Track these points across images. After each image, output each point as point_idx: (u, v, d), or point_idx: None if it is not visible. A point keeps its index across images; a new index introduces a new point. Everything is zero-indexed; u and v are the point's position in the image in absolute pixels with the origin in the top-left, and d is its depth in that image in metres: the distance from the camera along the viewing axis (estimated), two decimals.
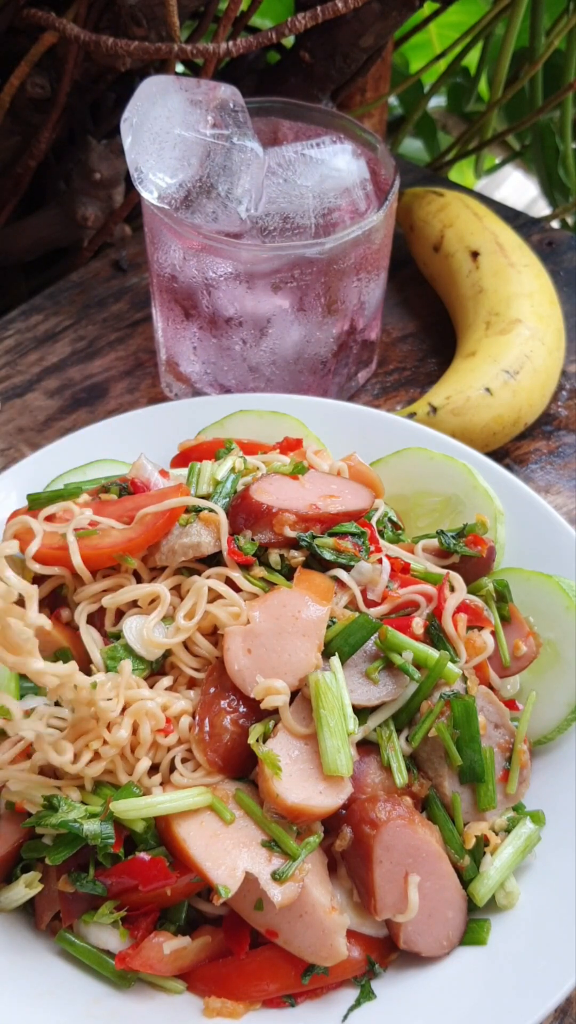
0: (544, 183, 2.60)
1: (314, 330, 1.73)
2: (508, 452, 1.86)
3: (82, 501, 1.42)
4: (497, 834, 1.26)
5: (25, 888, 1.22)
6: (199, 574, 1.32)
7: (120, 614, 1.33)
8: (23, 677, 1.35)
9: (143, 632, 1.27)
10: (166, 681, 1.28)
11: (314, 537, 1.32)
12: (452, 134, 3.13)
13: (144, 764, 1.22)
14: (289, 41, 2.24)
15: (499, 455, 1.85)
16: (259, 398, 1.64)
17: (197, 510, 1.33)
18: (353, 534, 1.35)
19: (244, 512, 1.33)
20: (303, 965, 1.19)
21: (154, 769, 1.25)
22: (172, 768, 1.24)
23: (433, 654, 1.24)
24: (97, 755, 1.21)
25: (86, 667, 1.32)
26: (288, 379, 1.78)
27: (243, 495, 1.34)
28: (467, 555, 1.40)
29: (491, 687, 1.33)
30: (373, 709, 1.25)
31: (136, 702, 1.22)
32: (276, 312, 1.69)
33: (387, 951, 1.23)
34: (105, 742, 1.21)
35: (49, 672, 1.09)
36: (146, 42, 1.80)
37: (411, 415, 1.76)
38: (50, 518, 1.39)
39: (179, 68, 2.23)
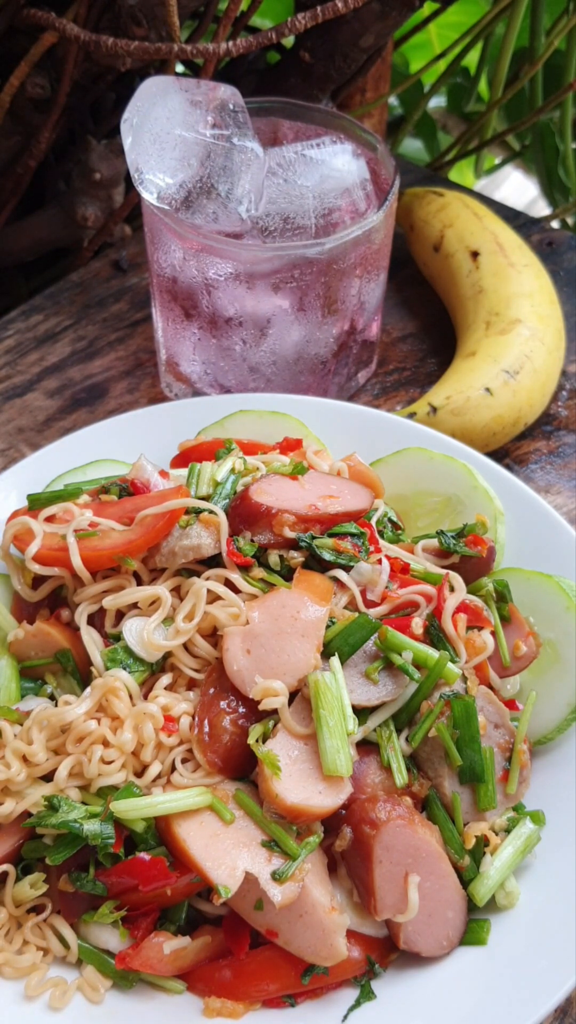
0: (544, 183, 2.60)
1: (314, 330, 1.73)
2: (508, 452, 1.86)
3: (82, 502, 1.41)
4: (497, 834, 1.26)
5: (30, 889, 1.22)
6: (199, 575, 1.31)
7: (120, 615, 1.33)
8: (23, 677, 1.35)
9: (143, 634, 1.27)
10: (165, 679, 1.28)
11: (313, 538, 1.32)
12: (452, 134, 3.12)
13: (155, 769, 1.22)
14: (289, 41, 2.24)
15: (499, 455, 1.84)
16: (259, 398, 1.64)
17: (197, 511, 1.33)
18: (353, 534, 1.35)
19: (243, 513, 1.32)
20: (303, 965, 1.19)
21: None
22: (172, 768, 1.24)
23: (433, 654, 1.24)
24: (102, 758, 1.21)
25: (86, 668, 1.33)
26: (288, 379, 1.78)
27: (243, 496, 1.34)
28: (467, 555, 1.39)
29: (491, 687, 1.33)
30: (373, 709, 1.25)
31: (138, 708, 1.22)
32: (276, 312, 1.69)
33: (387, 951, 1.23)
34: (107, 744, 1.21)
35: None
36: (146, 42, 1.80)
37: (411, 415, 1.76)
38: (50, 519, 1.39)
39: (179, 68, 2.23)
